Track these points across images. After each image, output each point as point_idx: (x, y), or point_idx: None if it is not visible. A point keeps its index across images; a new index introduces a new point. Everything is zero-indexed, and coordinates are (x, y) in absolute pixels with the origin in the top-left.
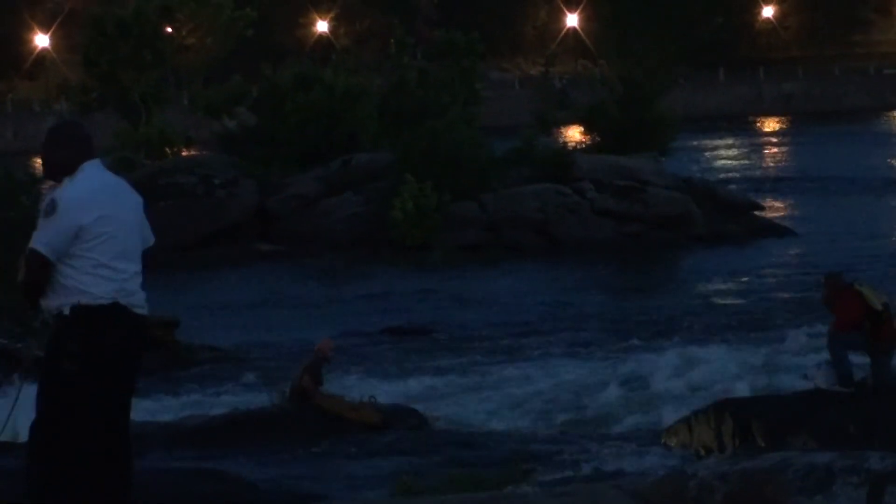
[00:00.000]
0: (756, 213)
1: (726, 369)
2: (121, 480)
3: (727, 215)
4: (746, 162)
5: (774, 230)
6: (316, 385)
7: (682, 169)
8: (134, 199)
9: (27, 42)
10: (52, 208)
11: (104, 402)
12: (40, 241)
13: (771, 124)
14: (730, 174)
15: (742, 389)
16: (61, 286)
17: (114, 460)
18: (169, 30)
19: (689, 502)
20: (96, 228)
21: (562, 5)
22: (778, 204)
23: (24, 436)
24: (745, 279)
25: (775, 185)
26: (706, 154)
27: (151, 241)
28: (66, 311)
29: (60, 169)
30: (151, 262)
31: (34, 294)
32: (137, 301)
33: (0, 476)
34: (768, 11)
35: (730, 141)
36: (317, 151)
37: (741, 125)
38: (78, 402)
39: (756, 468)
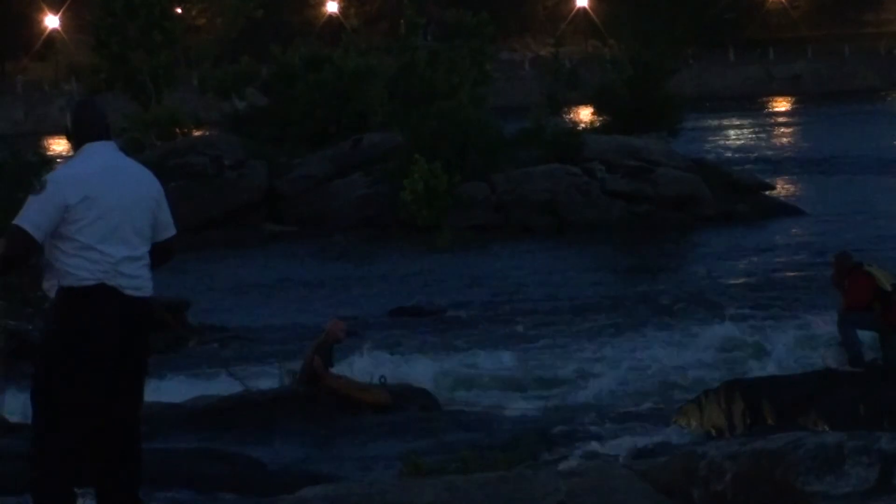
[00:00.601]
0: (766, 193)
1: (736, 349)
2: (127, 462)
3: (737, 195)
4: (756, 142)
5: (784, 210)
6: (326, 366)
7: (691, 149)
8: (139, 186)
9: (37, 23)
10: (43, 186)
11: (94, 383)
12: (25, 217)
13: (780, 104)
14: (739, 154)
15: (752, 369)
16: (52, 268)
17: (119, 442)
18: (178, 10)
19: (699, 483)
20: (81, 209)
21: None
22: (788, 184)
23: None
24: (755, 259)
25: (785, 165)
26: (716, 134)
27: (170, 233)
28: (53, 293)
29: (74, 147)
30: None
31: (7, 269)
32: (131, 283)
33: (13, 459)
34: None
35: (739, 121)
36: (326, 132)
37: (751, 105)
38: (65, 383)
39: (766, 449)
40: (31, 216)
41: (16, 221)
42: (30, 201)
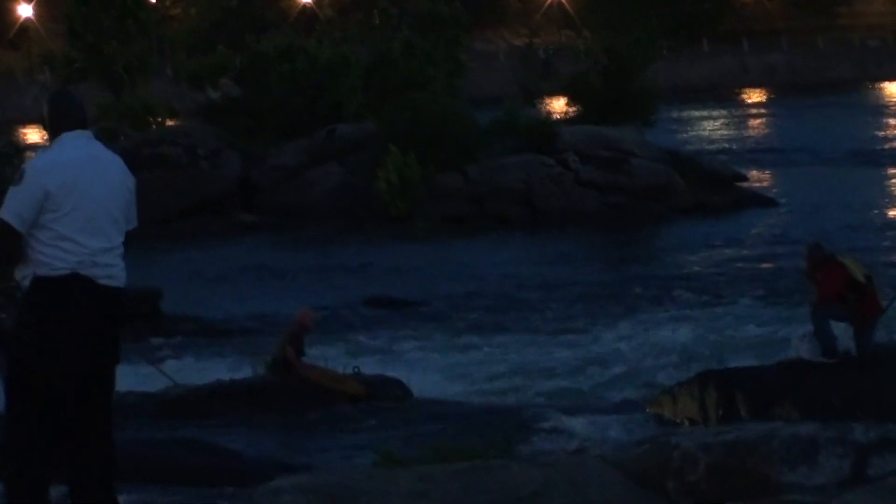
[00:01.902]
0: (739, 184)
1: (709, 340)
2: (100, 452)
3: (711, 186)
4: (730, 133)
5: (758, 201)
6: (298, 356)
7: (665, 140)
8: (116, 177)
9: (10, 12)
10: (21, 176)
11: (67, 373)
12: (7, 209)
13: (755, 96)
14: (713, 145)
15: (725, 360)
16: (26, 258)
17: (89, 431)
18: (152, 0)
19: (673, 473)
20: (60, 197)
21: None
22: (761, 175)
23: None
24: (728, 250)
25: (759, 156)
26: (690, 125)
27: (134, 224)
28: (27, 283)
29: (51, 137)
30: (134, 232)
31: (4, 263)
32: (105, 273)
33: None
34: None
35: (713, 112)
36: (300, 123)
37: (725, 97)
38: (38, 373)
39: (740, 439)
40: (13, 207)
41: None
42: (10, 193)
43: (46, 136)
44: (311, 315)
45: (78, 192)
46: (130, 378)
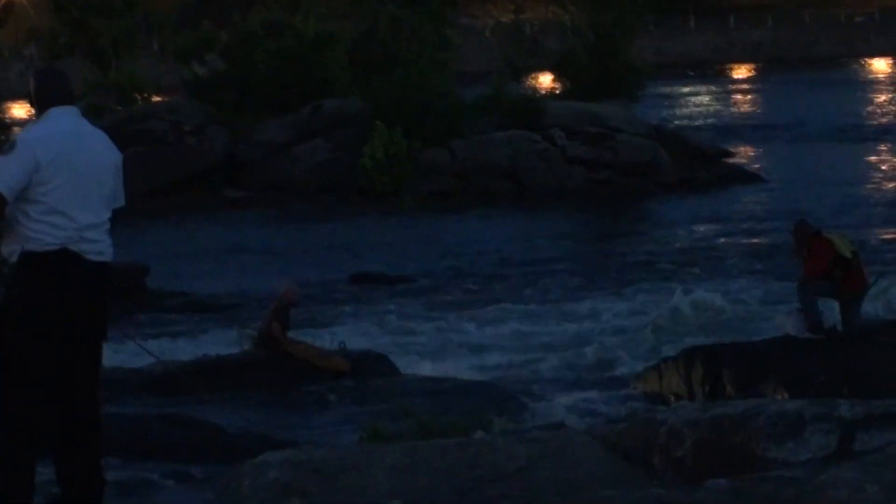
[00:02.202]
0: (725, 160)
1: (696, 316)
2: (87, 428)
3: (696, 162)
4: (716, 109)
5: (744, 177)
6: (283, 330)
7: (651, 116)
8: (104, 153)
9: None
10: (11, 146)
11: (56, 348)
12: None
13: (741, 71)
14: (699, 121)
15: (712, 336)
16: (13, 233)
17: (76, 409)
18: None
19: (659, 449)
20: (51, 170)
21: None
22: (747, 151)
23: None
24: (714, 226)
25: (744, 132)
26: (676, 101)
27: (122, 202)
28: (15, 258)
29: (38, 113)
30: (121, 210)
31: None
32: (94, 248)
33: None
34: None
35: (699, 88)
36: (287, 98)
37: (711, 72)
38: (26, 349)
39: (726, 415)
40: (2, 175)
41: None
42: (0, 162)
43: (33, 112)
44: (295, 290)
45: (68, 166)
46: (117, 354)
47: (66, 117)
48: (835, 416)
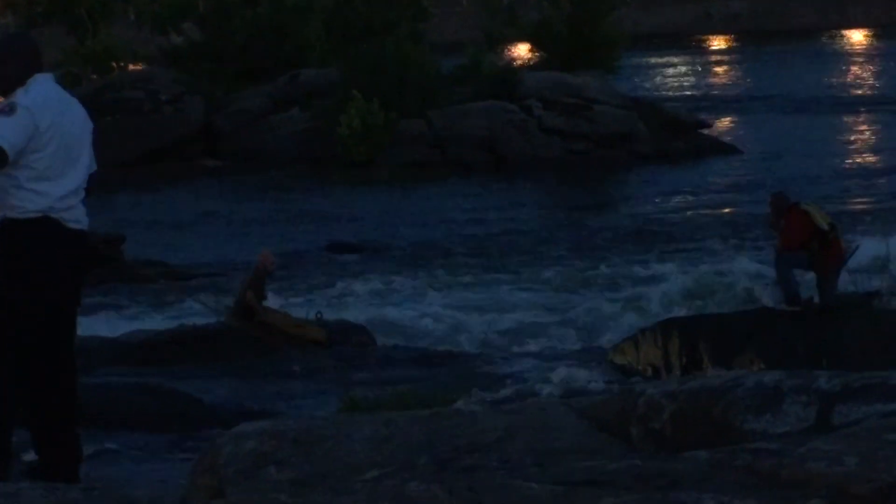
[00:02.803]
0: (702, 131)
1: (672, 288)
2: (63, 396)
3: (673, 133)
4: (693, 80)
5: (720, 148)
6: (259, 300)
7: (629, 87)
8: (84, 119)
9: None
10: (11, 108)
11: (37, 317)
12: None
13: (718, 43)
14: (676, 92)
15: (688, 308)
16: None
17: (55, 375)
18: None
19: (637, 420)
20: (47, 136)
21: None
22: (724, 122)
23: None
24: (691, 197)
25: (721, 103)
26: (653, 72)
27: (94, 168)
28: None
29: (13, 81)
30: (95, 176)
31: None
32: (73, 216)
33: None
34: None
35: (677, 59)
36: (263, 67)
37: (688, 44)
38: (3, 315)
39: (705, 387)
40: (6, 135)
41: None
42: (2, 122)
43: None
44: (270, 258)
45: (60, 133)
46: (93, 323)
47: (50, 84)
48: (813, 388)
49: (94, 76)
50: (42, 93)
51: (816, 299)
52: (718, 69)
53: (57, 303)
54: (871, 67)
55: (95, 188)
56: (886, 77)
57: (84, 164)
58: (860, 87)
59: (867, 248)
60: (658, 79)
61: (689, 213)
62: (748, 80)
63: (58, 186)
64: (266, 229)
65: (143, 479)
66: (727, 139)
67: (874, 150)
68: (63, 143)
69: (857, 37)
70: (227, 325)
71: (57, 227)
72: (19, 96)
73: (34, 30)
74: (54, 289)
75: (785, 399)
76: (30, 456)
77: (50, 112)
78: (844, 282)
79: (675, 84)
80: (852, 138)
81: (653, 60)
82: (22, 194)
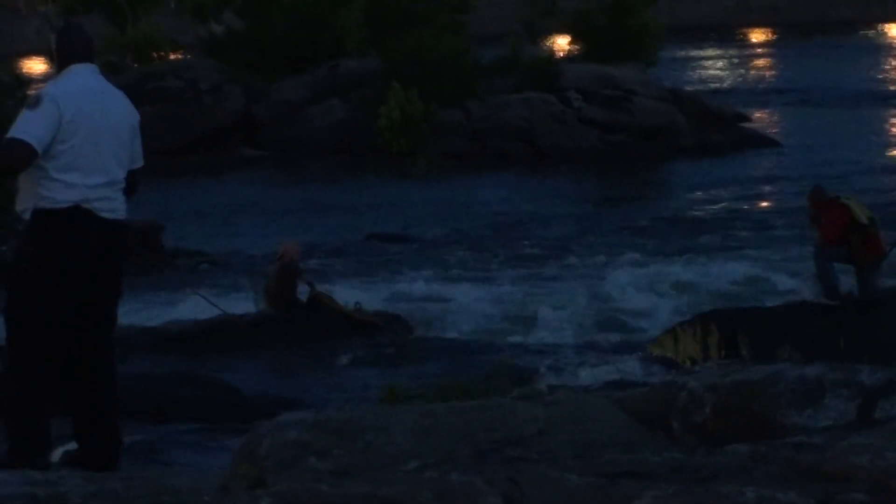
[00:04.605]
0: (742, 124)
1: (712, 280)
2: (102, 386)
3: (713, 126)
4: (732, 73)
5: (760, 141)
6: (291, 290)
7: (668, 79)
8: (123, 111)
9: None
10: (37, 101)
11: (68, 305)
12: (25, 130)
13: (757, 35)
14: (716, 85)
15: (728, 300)
16: (28, 190)
17: (93, 365)
18: None
19: (678, 413)
20: (73, 127)
21: None
22: (764, 115)
23: None
24: (730, 190)
25: (761, 96)
26: (692, 64)
27: (140, 163)
28: (28, 215)
29: (56, 68)
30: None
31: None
32: (106, 206)
33: None
34: None
35: (716, 52)
36: (303, 57)
37: (727, 36)
38: (39, 304)
39: (746, 380)
40: (32, 129)
41: (16, 135)
42: (27, 116)
43: (53, 68)
44: (297, 247)
45: (89, 123)
46: (132, 313)
47: (87, 74)
48: (855, 382)
49: (134, 65)
50: (71, 83)
51: (856, 293)
52: (757, 62)
53: (90, 292)
54: None
55: (139, 186)
56: None
57: (122, 157)
58: None
59: None
60: (697, 71)
61: (728, 205)
62: (787, 72)
63: (88, 177)
64: (305, 219)
65: (182, 468)
66: (767, 132)
67: None
68: (93, 134)
69: None
70: (266, 314)
71: (89, 217)
72: (49, 86)
73: (74, 18)
74: (86, 278)
75: (827, 393)
76: (70, 445)
77: (76, 102)
78: (885, 275)
79: (715, 76)
80: (893, 132)
81: (692, 53)
82: (51, 185)
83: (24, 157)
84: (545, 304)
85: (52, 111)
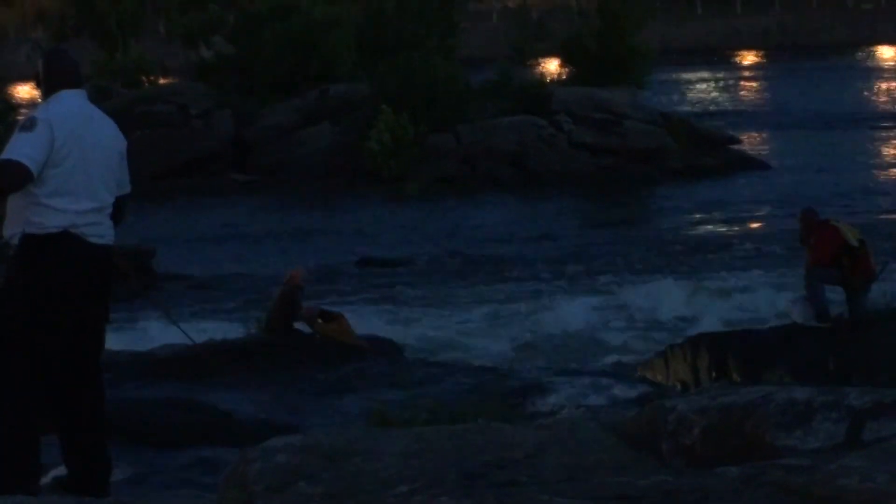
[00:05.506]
0: (732, 146)
1: (702, 303)
2: (91, 410)
3: (703, 149)
4: (723, 96)
5: (750, 164)
6: (294, 314)
7: (658, 102)
8: (111, 137)
9: None
10: (31, 123)
11: (56, 330)
12: (20, 152)
13: (747, 58)
14: (706, 108)
15: (718, 323)
16: (16, 215)
17: (82, 389)
18: None
19: (667, 436)
20: (65, 151)
21: None
22: (754, 138)
23: None
24: (720, 213)
25: (751, 119)
26: (682, 87)
27: (127, 189)
28: (16, 241)
29: (44, 97)
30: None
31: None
32: (95, 231)
33: None
34: None
35: (706, 74)
36: (293, 82)
37: (718, 59)
38: (27, 329)
39: (736, 403)
40: (28, 151)
41: (11, 156)
42: (22, 138)
43: (40, 94)
44: (302, 273)
45: (78, 148)
46: (121, 337)
47: (76, 99)
48: (844, 404)
49: (124, 90)
50: (62, 108)
51: (846, 316)
52: (748, 84)
53: (79, 317)
54: None
55: (126, 213)
56: None
57: (110, 182)
58: (890, 102)
59: None
60: (687, 93)
61: (718, 228)
62: (777, 95)
63: (78, 202)
64: (295, 243)
65: (173, 493)
66: (758, 155)
67: None
68: (82, 159)
69: (888, 53)
70: (256, 339)
71: (78, 242)
72: (40, 111)
73: (64, 43)
74: (75, 303)
75: (816, 415)
76: (60, 470)
77: (67, 127)
78: (875, 297)
79: (705, 99)
80: (882, 154)
81: (682, 76)
82: (41, 210)
83: (20, 178)
84: (535, 327)
85: (46, 134)
